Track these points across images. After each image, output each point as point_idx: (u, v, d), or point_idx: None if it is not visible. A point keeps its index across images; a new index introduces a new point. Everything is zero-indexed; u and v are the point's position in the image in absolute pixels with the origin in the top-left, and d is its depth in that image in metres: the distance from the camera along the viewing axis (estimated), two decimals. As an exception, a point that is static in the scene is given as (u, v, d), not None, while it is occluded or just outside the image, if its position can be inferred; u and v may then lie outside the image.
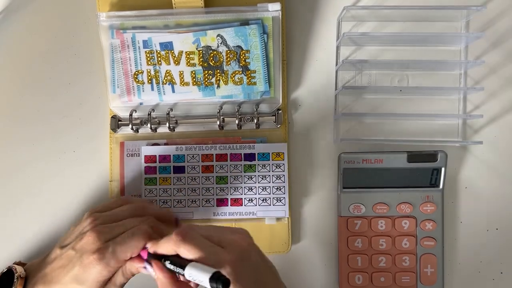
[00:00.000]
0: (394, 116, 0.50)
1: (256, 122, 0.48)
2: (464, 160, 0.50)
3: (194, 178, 0.48)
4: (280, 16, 0.48)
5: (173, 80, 0.48)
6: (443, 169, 0.48)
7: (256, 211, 0.48)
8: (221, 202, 0.48)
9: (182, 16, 0.48)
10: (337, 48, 0.50)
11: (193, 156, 0.48)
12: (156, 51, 0.48)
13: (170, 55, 0.48)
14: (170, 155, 0.48)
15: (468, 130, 0.50)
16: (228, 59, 0.48)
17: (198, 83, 0.48)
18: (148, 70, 0.48)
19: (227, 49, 0.48)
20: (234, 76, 0.48)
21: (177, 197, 0.48)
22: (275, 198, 0.48)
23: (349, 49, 0.50)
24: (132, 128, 0.49)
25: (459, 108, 0.50)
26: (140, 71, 0.48)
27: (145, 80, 0.49)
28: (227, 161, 0.47)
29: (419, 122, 0.50)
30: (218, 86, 0.48)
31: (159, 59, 0.48)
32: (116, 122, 0.49)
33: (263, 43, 0.48)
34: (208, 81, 0.48)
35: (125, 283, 0.41)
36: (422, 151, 0.48)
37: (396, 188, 0.48)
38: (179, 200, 0.48)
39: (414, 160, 0.47)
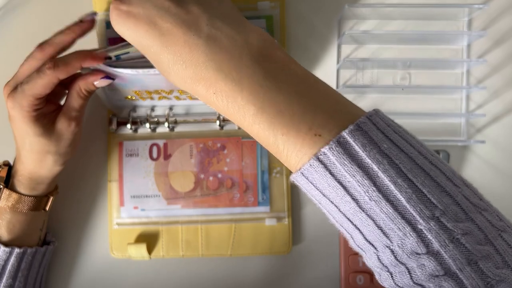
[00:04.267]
0: (395, 115, 0.49)
1: (257, 121, 0.48)
2: (467, 160, 0.50)
3: None
4: (279, 16, 0.47)
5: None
6: (445, 168, 0.47)
7: None
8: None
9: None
10: (338, 46, 0.50)
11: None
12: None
13: (162, 92, 0.46)
14: None
15: (470, 129, 0.50)
16: None
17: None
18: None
19: None
20: None
21: None
22: None
23: (350, 48, 0.50)
24: (131, 128, 0.49)
25: (462, 107, 0.50)
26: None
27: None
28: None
29: (421, 121, 0.50)
30: None
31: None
32: (115, 122, 0.49)
33: None
34: None
35: (85, 104, 0.43)
36: (424, 151, 0.47)
37: (398, 188, 0.48)
38: None
39: (416, 160, 0.47)
